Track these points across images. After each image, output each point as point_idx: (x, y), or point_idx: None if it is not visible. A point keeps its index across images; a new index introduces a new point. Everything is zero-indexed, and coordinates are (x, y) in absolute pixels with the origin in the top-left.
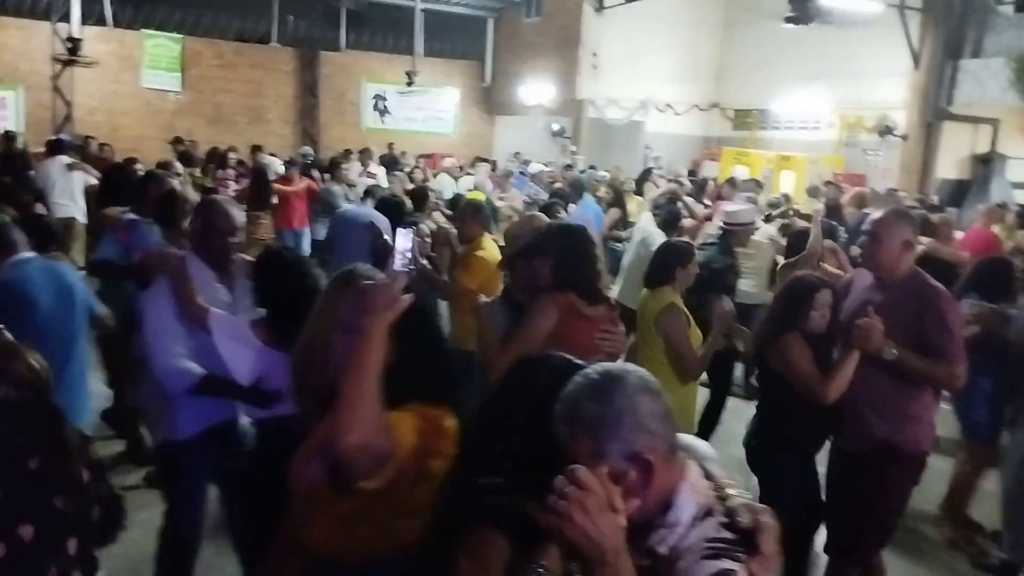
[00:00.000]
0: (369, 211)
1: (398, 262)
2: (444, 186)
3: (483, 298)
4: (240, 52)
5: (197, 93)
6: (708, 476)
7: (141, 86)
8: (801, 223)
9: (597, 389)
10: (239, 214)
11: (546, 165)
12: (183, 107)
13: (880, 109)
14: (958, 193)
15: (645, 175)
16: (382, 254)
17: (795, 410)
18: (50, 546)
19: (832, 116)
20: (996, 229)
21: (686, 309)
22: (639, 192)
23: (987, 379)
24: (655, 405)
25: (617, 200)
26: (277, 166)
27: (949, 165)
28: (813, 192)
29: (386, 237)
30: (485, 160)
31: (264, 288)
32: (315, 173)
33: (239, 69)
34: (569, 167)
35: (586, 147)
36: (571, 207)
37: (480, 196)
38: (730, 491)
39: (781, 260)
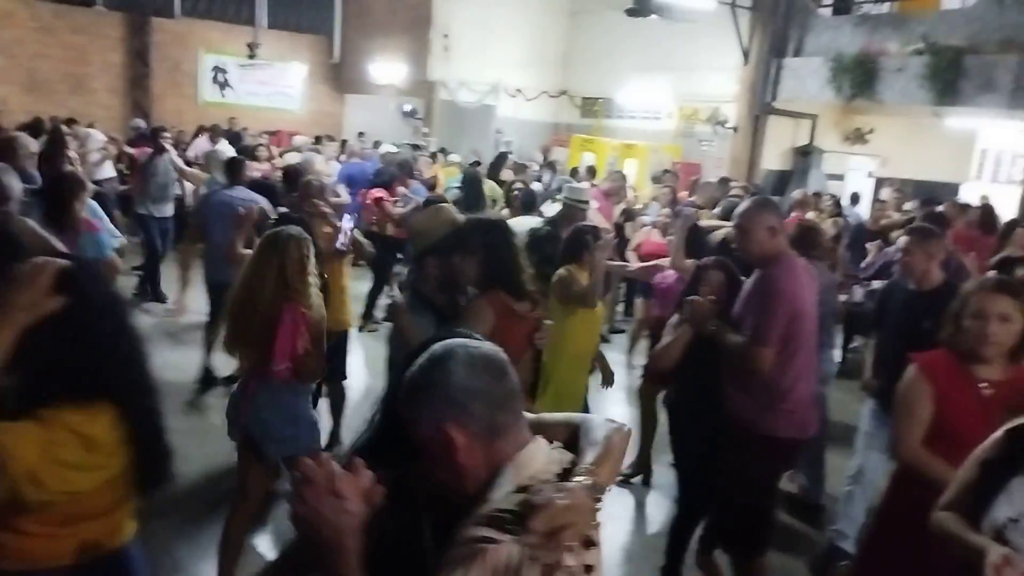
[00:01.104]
0: (248, 194)
1: (340, 240)
2: None
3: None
4: (59, 14)
5: (10, 58)
6: (578, 453)
7: None
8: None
9: (428, 359)
10: (16, 184)
11: (396, 146)
12: None
13: (714, 102)
14: (781, 183)
15: (500, 160)
16: None
17: (694, 382)
18: None
19: (671, 107)
20: (813, 215)
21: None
22: (494, 177)
23: None
24: (474, 382)
25: (471, 183)
26: (98, 138)
27: (774, 156)
28: (658, 179)
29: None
30: (330, 139)
31: None
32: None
33: (59, 33)
34: (418, 148)
35: (438, 129)
36: (400, 188)
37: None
38: (580, 470)
39: None
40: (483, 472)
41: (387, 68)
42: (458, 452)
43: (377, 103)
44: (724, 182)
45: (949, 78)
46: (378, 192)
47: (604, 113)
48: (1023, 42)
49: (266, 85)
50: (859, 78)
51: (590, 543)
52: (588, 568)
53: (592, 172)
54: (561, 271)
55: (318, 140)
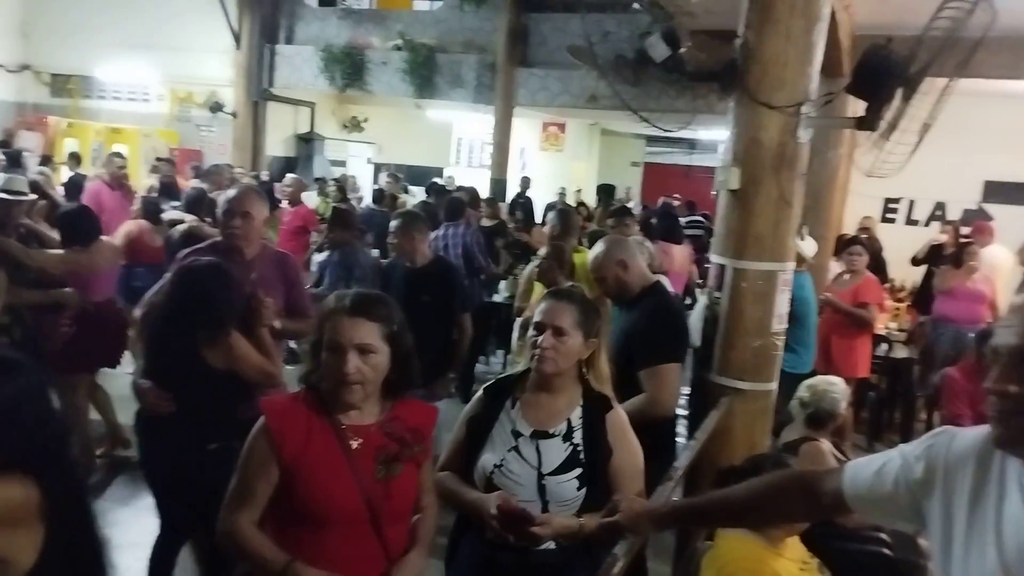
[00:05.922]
0: None
1: None
2: None
3: None
4: None
5: None
6: None
7: None
8: None
9: None
10: None
11: None
12: None
13: (210, 85)
14: (287, 169)
15: None
16: None
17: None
18: None
19: (162, 89)
20: (317, 202)
21: None
22: None
23: None
24: None
25: None
26: None
27: (277, 143)
28: (156, 168)
29: None
30: None
31: None
32: None
33: None
34: None
35: None
36: None
37: None
38: None
39: None
40: None
41: None
42: None
43: None
44: (219, 168)
45: (426, 73)
46: None
47: (82, 92)
48: (481, 44)
49: None
50: (349, 69)
51: None
52: None
53: (77, 159)
54: None
55: None
